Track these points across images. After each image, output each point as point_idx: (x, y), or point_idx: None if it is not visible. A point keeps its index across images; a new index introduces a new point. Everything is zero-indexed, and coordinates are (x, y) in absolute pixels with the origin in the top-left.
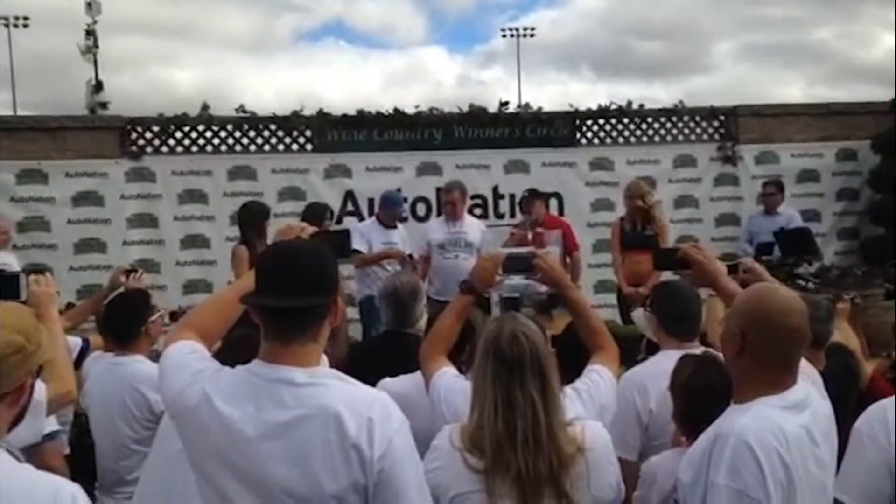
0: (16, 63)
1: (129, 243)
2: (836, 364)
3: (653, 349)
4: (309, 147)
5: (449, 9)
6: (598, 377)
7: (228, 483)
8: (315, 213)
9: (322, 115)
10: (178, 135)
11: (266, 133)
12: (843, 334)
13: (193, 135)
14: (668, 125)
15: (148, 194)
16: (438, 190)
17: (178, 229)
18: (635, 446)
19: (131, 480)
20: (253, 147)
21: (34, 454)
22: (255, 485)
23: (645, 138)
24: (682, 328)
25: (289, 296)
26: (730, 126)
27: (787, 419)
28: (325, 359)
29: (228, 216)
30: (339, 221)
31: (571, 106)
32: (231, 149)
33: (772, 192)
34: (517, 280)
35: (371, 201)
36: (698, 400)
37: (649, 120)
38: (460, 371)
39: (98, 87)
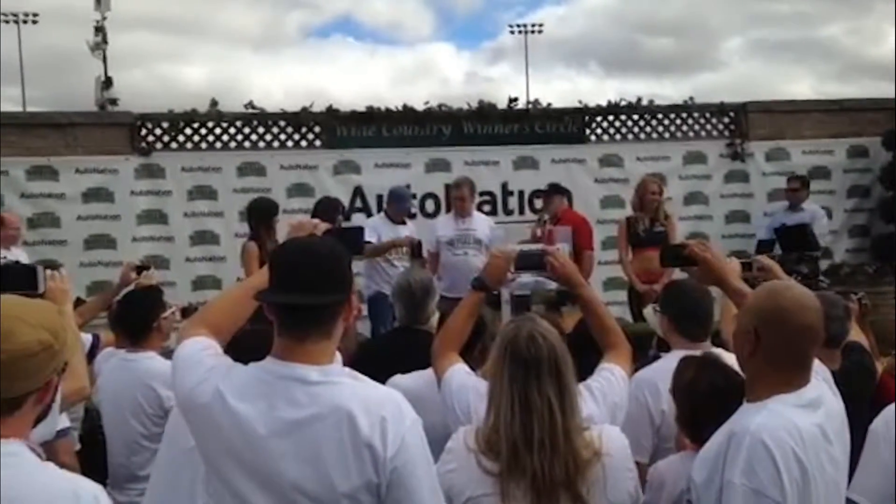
0: (25, 59)
1: (139, 239)
2: (852, 363)
3: (664, 347)
4: (318, 143)
5: (457, 5)
6: (611, 375)
7: (240, 480)
8: (327, 208)
9: (331, 112)
10: (188, 131)
11: (275, 129)
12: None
13: (203, 131)
14: (678, 122)
15: (158, 191)
16: (447, 186)
17: (187, 226)
18: (648, 448)
19: (143, 477)
20: (262, 143)
21: (46, 451)
22: (267, 483)
23: (654, 135)
24: (693, 328)
25: (305, 293)
26: (740, 122)
27: (801, 417)
28: (338, 355)
29: (238, 212)
30: (347, 218)
31: (580, 102)
32: (240, 145)
33: (796, 188)
34: (528, 277)
35: (380, 198)
36: (701, 403)
37: (659, 116)
38: (471, 368)
39: (107, 83)
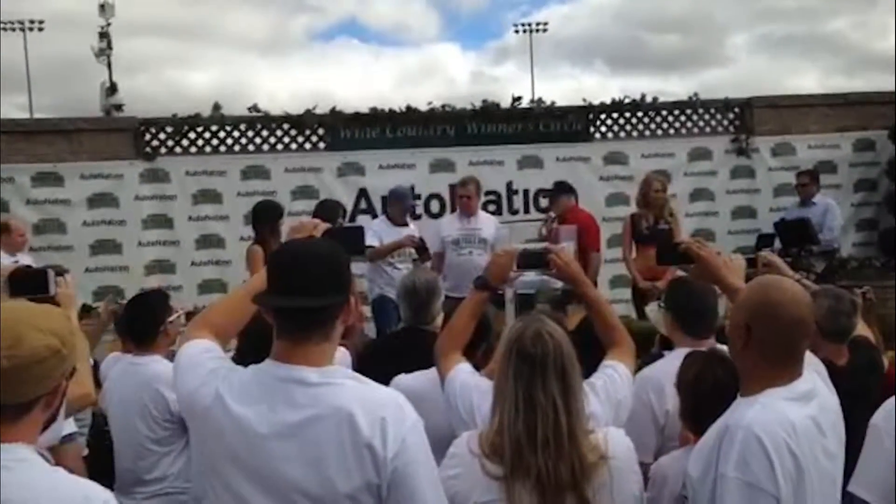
0: (31, 66)
1: (145, 244)
2: (859, 357)
3: (667, 344)
4: (322, 146)
5: (462, 6)
6: (615, 373)
7: (241, 483)
8: (327, 210)
9: (334, 114)
10: (192, 135)
11: (279, 132)
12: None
13: (207, 135)
14: (683, 118)
15: (163, 195)
16: (452, 187)
17: (192, 230)
18: (652, 448)
19: (149, 480)
20: (266, 146)
21: (53, 456)
22: (268, 485)
23: (659, 132)
24: (697, 325)
25: (301, 296)
26: (745, 118)
27: (795, 410)
28: (346, 353)
29: (243, 216)
30: (352, 219)
31: (585, 100)
32: (244, 148)
33: (806, 183)
34: (532, 276)
35: (384, 199)
36: (706, 398)
37: (663, 113)
38: (476, 368)
39: (112, 89)
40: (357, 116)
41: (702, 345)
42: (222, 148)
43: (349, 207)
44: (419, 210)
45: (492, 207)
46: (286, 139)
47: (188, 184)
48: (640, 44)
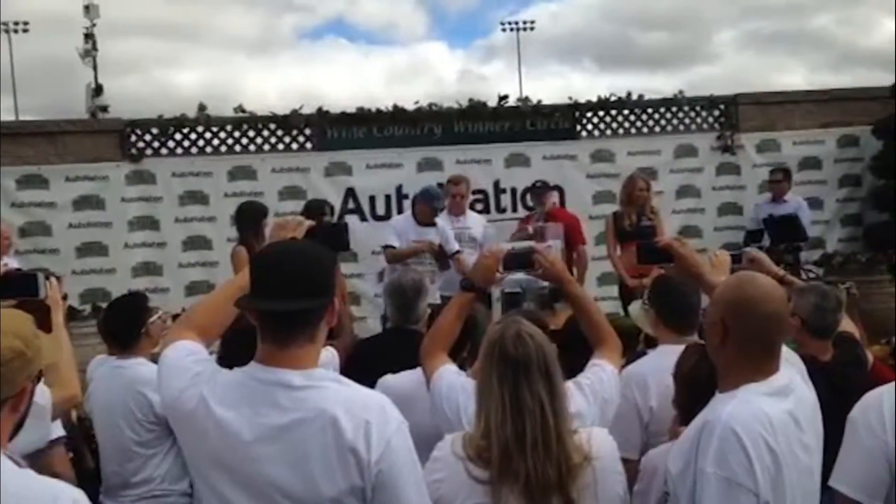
0: (16, 68)
1: (131, 246)
2: (844, 353)
3: (652, 343)
4: (309, 146)
5: (450, 4)
6: (601, 371)
7: (226, 487)
8: (312, 210)
9: (321, 114)
10: (178, 136)
11: (265, 133)
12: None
13: (193, 136)
14: (669, 115)
15: (149, 196)
16: (440, 185)
17: (179, 231)
18: (637, 445)
19: (135, 483)
20: (253, 147)
21: (41, 459)
22: (252, 488)
23: (645, 129)
24: (680, 322)
25: (284, 298)
26: (730, 115)
27: (771, 405)
28: (334, 353)
29: (229, 217)
30: (340, 219)
31: (571, 98)
32: (231, 149)
33: (779, 180)
34: (519, 275)
35: (372, 199)
36: (700, 390)
37: (649, 110)
38: (462, 368)
39: (98, 90)
40: (344, 116)
41: (685, 341)
42: (208, 149)
43: (337, 207)
44: (406, 209)
45: (479, 206)
46: (273, 139)
47: (174, 185)
48: (627, 41)
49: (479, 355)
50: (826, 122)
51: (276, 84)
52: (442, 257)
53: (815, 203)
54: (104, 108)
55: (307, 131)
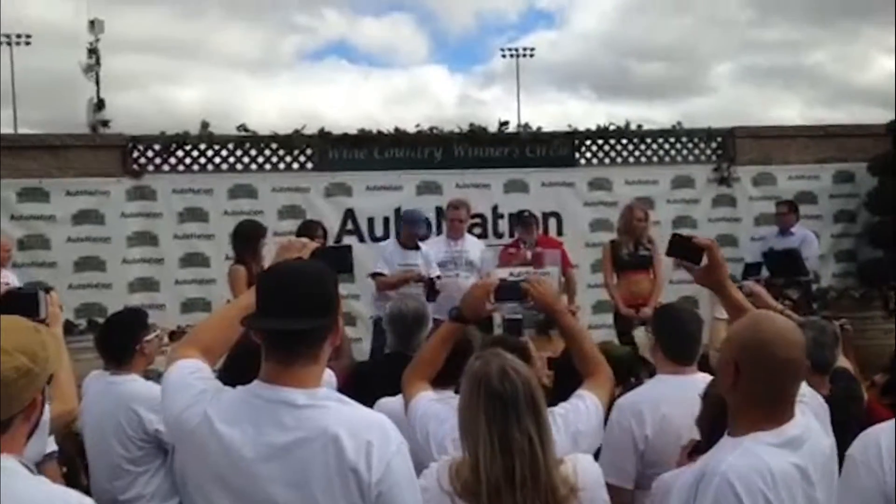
0: (17, 81)
1: (129, 261)
2: (840, 389)
3: (651, 371)
4: (309, 166)
5: (450, 30)
6: (580, 403)
7: None
8: (308, 230)
9: (323, 134)
10: (180, 153)
11: (267, 152)
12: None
13: (195, 153)
14: (666, 146)
15: (149, 213)
16: (438, 209)
17: (177, 247)
18: (632, 474)
19: (124, 501)
20: (254, 166)
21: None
22: None
23: (643, 159)
24: (680, 352)
25: (290, 317)
26: (727, 147)
27: (777, 457)
28: (331, 374)
29: (228, 234)
30: (338, 240)
31: (570, 126)
32: (232, 167)
33: (784, 212)
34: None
35: (371, 220)
36: (721, 416)
37: (647, 140)
38: (457, 393)
39: (100, 105)
40: (345, 137)
41: (684, 372)
42: (210, 166)
43: (336, 228)
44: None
45: (477, 230)
46: (274, 159)
47: (174, 202)
48: (625, 71)
49: (463, 389)
50: (822, 157)
51: (276, 103)
52: (430, 288)
53: None
54: (105, 123)
55: (308, 151)
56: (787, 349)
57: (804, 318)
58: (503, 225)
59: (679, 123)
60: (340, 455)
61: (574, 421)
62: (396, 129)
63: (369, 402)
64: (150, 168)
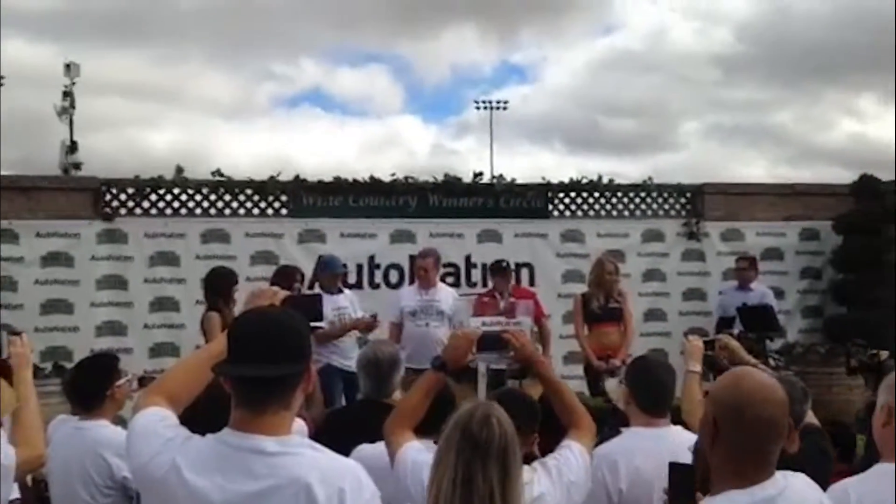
0: None
1: (97, 305)
2: (810, 444)
3: (624, 422)
4: (284, 212)
5: (424, 81)
6: (570, 454)
7: None
8: (285, 276)
9: (297, 181)
10: (153, 197)
11: (241, 197)
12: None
13: (168, 197)
14: (637, 200)
15: (119, 256)
16: (412, 257)
17: (147, 292)
18: None
19: None
20: (228, 211)
21: None
22: None
23: (615, 212)
24: (654, 404)
25: (262, 364)
26: (696, 203)
27: None
28: (303, 424)
29: (200, 279)
30: (311, 287)
31: (544, 178)
32: (206, 212)
33: (744, 268)
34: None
35: (344, 267)
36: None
37: (619, 194)
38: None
39: (73, 147)
40: (320, 184)
41: (657, 423)
42: (183, 211)
43: (309, 274)
44: (378, 279)
45: (450, 279)
46: (248, 204)
47: (146, 245)
48: (596, 126)
49: (445, 429)
50: (788, 215)
51: (250, 149)
52: (367, 331)
53: (777, 293)
54: (77, 166)
55: (283, 198)
56: (764, 407)
57: (775, 374)
58: (476, 274)
59: (650, 178)
60: (312, 503)
61: (567, 472)
62: (371, 178)
63: (344, 449)
64: (123, 211)
